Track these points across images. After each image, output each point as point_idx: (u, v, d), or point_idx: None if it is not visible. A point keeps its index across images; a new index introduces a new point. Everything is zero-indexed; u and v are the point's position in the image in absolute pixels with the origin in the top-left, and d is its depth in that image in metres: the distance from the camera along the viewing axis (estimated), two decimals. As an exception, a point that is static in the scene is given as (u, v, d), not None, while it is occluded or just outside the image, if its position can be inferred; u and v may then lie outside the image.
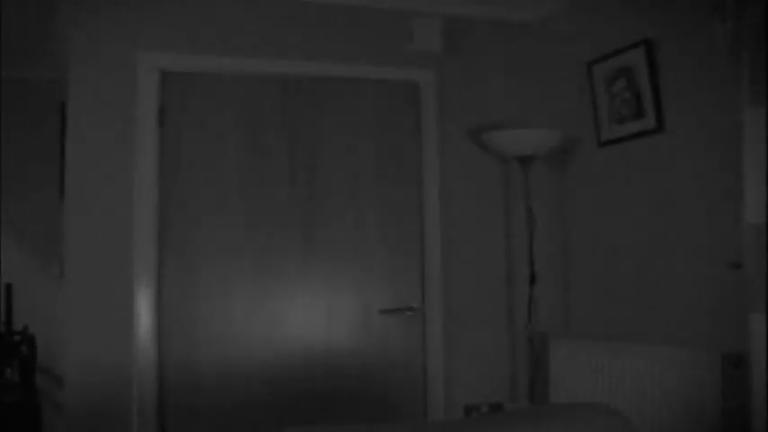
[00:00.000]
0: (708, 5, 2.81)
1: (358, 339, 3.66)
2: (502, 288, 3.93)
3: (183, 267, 3.43)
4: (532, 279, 3.63)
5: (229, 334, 3.47)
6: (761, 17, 2.53)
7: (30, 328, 4.40)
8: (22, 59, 4.45)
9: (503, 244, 3.95)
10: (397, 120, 3.78)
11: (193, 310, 3.43)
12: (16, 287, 4.49)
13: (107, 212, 3.35)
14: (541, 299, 3.90)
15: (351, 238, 3.67)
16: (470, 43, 3.95)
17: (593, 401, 3.22)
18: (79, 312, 3.29)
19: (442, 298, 3.79)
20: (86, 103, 3.35)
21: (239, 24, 3.58)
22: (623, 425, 1.99)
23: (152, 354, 3.34)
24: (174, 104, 3.48)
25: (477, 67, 3.96)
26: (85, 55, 3.36)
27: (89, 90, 3.36)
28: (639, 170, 3.35)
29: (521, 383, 3.89)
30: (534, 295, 3.70)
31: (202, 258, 3.46)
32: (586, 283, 3.68)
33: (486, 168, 3.94)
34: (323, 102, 3.67)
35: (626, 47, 3.34)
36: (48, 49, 4.24)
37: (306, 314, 3.59)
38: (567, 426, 1.91)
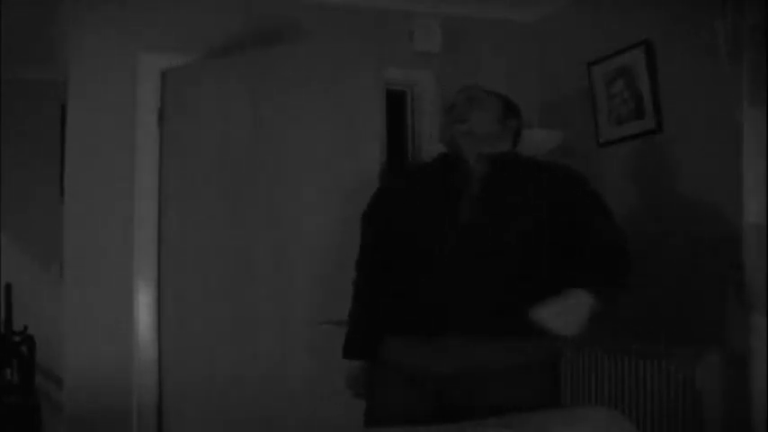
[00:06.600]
0: (708, 5, 2.81)
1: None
2: (502, 288, 3.91)
3: (184, 267, 3.43)
4: (532, 279, 3.62)
5: (231, 333, 3.46)
6: (761, 17, 2.53)
7: (30, 328, 4.40)
8: (23, 60, 4.45)
9: (503, 244, 3.94)
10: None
11: (194, 310, 3.42)
12: (16, 287, 4.50)
13: (107, 212, 3.35)
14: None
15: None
16: (470, 43, 3.94)
17: (594, 404, 3.22)
18: (79, 312, 3.29)
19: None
20: (86, 103, 3.35)
21: (239, 24, 3.58)
22: (624, 426, 1.99)
23: (152, 354, 3.33)
24: (174, 104, 3.47)
25: (477, 68, 3.95)
26: (85, 55, 3.36)
27: (89, 90, 3.35)
28: (639, 170, 3.35)
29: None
30: (534, 295, 3.69)
31: (203, 258, 3.45)
32: (586, 284, 3.67)
33: (486, 168, 3.93)
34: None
35: (626, 47, 3.34)
36: (48, 50, 4.24)
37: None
38: (568, 428, 1.91)
